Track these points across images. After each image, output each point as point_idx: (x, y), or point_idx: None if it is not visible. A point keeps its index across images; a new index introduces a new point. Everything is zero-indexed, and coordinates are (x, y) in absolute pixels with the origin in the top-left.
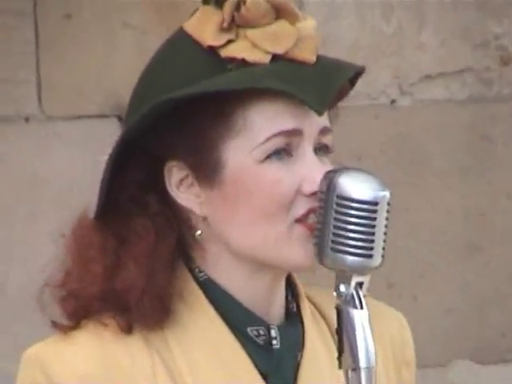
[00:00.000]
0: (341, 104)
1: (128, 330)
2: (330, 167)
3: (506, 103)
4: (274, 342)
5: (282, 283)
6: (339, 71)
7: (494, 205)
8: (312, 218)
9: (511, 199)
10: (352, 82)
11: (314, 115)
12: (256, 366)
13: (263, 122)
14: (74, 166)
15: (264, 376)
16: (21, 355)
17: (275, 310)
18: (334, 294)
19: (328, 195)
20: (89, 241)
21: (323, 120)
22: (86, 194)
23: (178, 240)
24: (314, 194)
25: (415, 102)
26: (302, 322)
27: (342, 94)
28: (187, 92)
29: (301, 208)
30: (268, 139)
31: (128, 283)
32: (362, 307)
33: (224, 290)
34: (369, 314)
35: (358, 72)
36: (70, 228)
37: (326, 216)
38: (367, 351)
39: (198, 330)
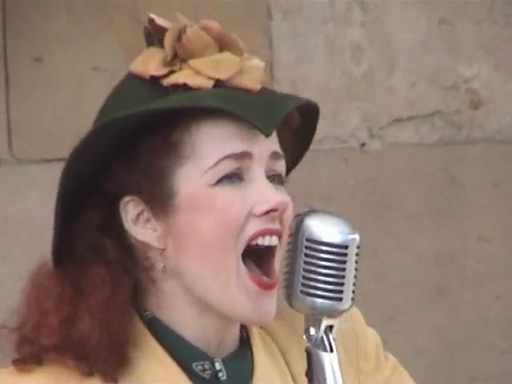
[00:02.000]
0: (311, 147)
1: (89, 373)
2: (286, 196)
3: (475, 146)
4: (220, 374)
5: (233, 323)
6: (286, 99)
7: (465, 248)
8: (264, 241)
9: (482, 242)
10: (313, 123)
11: (262, 139)
12: None
13: (211, 147)
14: (45, 209)
15: None
16: None
17: (226, 341)
18: (304, 337)
19: (297, 238)
20: (46, 290)
21: (273, 145)
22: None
23: (133, 286)
24: (266, 213)
25: (385, 146)
26: (251, 350)
27: (304, 134)
28: (121, 115)
29: (251, 230)
30: (217, 163)
31: (83, 336)
32: (331, 350)
33: (168, 326)
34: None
35: (313, 109)
36: (30, 274)
37: (295, 258)
38: None
39: (149, 372)
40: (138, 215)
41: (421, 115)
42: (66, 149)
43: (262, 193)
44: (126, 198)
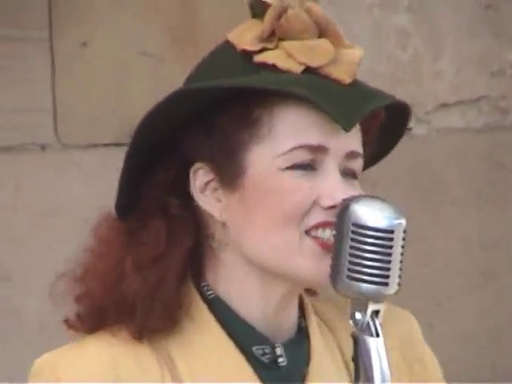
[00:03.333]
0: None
1: (139, 337)
2: (359, 190)
3: None
4: (281, 359)
5: (295, 299)
6: (375, 96)
7: (510, 232)
8: (325, 234)
9: None
10: (402, 122)
11: (342, 135)
12: (263, 382)
13: (289, 132)
14: (90, 194)
15: None
16: None
17: (286, 326)
18: (350, 322)
19: (343, 222)
20: (103, 235)
21: (353, 143)
22: None
23: (192, 249)
24: (330, 208)
25: (431, 131)
26: (309, 337)
27: (391, 133)
28: (206, 85)
29: (315, 219)
30: (291, 150)
31: (133, 285)
32: (378, 335)
33: (231, 308)
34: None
35: (403, 107)
36: (93, 225)
37: (341, 243)
38: (383, 379)
39: (203, 347)
40: (207, 183)
41: (467, 100)
42: (111, 134)
43: (330, 186)
44: (198, 164)
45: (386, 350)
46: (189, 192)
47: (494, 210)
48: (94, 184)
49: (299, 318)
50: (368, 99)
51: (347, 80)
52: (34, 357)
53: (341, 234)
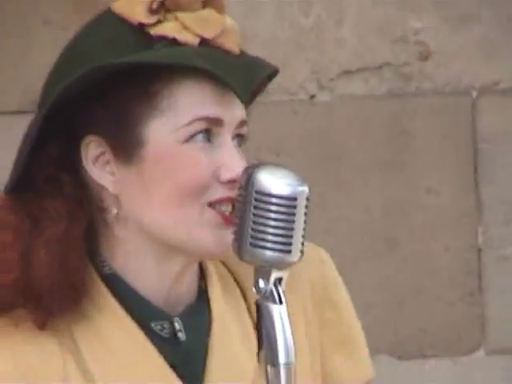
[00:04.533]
0: (260, 99)
1: (41, 325)
2: (243, 157)
3: (425, 98)
4: (180, 334)
5: (194, 268)
6: (260, 65)
7: (413, 200)
8: (225, 207)
9: (430, 194)
10: (264, 82)
11: (235, 106)
12: (165, 358)
13: (188, 105)
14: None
15: (173, 368)
16: None
17: (186, 293)
18: (254, 289)
19: (247, 191)
20: (3, 222)
21: (242, 112)
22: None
23: (88, 227)
24: (230, 182)
25: (334, 98)
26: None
27: (256, 91)
28: (119, 61)
29: (215, 194)
30: (191, 122)
31: (39, 270)
32: (281, 302)
33: (128, 283)
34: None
35: (273, 72)
36: None
37: (244, 211)
38: (287, 347)
39: (103, 326)
40: (98, 156)
41: (370, 67)
42: (14, 102)
43: (228, 159)
44: (90, 137)
45: (292, 313)
46: (80, 166)
47: (396, 177)
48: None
49: (200, 279)
50: (256, 68)
51: (237, 50)
52: None
53: (244, 202)
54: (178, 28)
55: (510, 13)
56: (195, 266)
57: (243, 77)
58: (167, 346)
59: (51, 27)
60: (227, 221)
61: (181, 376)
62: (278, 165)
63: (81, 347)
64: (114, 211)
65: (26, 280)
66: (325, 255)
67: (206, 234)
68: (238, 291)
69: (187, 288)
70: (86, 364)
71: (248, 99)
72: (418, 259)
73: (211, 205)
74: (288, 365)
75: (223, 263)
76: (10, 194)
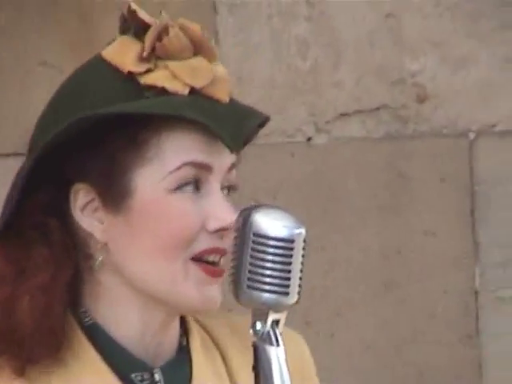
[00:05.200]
0: (257, 141)
1: (20, 372)
2: (232, 207)
3: (422, 140)
4: None
5: (176, 320)
6: (251, 115)
7: (411, 242)
8: (212, 258)
9: (428, 236)
10: (255, 130)
11: (224, 153)
12: None
13: (175, 151)
14: None
15: None
16: None
17: (167, 346)
18: (251, 331)
19: (244, 232)
20: None
21: (231, 158)
22: None
23: (73, 273)
24: (218, 231)
25: (331, 140)
26: (191, 356)
27: (247, 138)
28: (107, 111)
29: (201, 245)
30: (178, 168)
31: (21, 317)
32: (278, 344)
33: (108, 334)
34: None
35: (264, 120)
36: None
37: (241, 253)
38: None
39: (83, 379)
40: (87, 203)
41: (367, 109)
42: (10, 144)
43: (217, 209)
44: (79, 185)
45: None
46: (68, 213)
47: (394, 219)
48: None
49: (181, 336)
50: (247, 117)
51: (227, 99)
52: None
53: (241, 244)
54: (168, 77)
55: (509, 55)
56: (177, 320)
57: (233, 126)
58: None
59: (47, 68)
60: (213, 274)
61: None
62: (275, 207)
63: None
64: (100, 258)
65: (7, 326)
66: (300, 338)
67: (190, 289)
68: (212, 345)
69: (169, 340)
70: None
71: (239, 148)
72: (416, 301)
73: (195, 258)
74: None
75: (198, 322)
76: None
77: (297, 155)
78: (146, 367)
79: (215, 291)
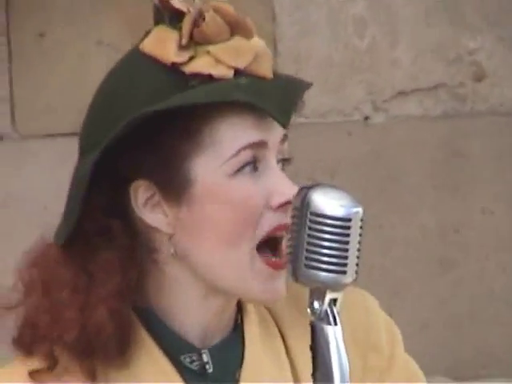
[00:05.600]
0: (315, 120)
1: (92, 376)
2: (295, 185)
3: (479, 119)
4: (207, 366)
5: (234, 302)
6: (295, 85)
7: (469, 220)
8: (280, 234)
9: (485, 214)
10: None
11: (275, 126)
12: None
13: (231, 137)
14: (48, 184)
15: None
16: None
17: (221, 327)
18: (308, 310)
19: (301, 212)
20: (58, 277)
21: (282, 129)
22: (60, 213)
23: (139, 271)
24: (281, 206)
25: (389, 119)
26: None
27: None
28: (162, 106)
29: (267, 224)
30: (237, 153)
31: (98, 326)
32: (335, 323)
33: (159, 318)
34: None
35: (308, 88)
36: (32, 257)
37: (299, 232)
38: (341, 368)
39: (139, 367)
40: (148, 199)
41: (424, 88)
42: (68, 124)
43: (277, 184)
44: (138, 182)
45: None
46: (128, 211)
47: (451, 198)
48: (52, 174)
49: (237, 314)
50: (292, 89)
51: (270, 74)
52: None
53: (298, 223)
54: (212, 63)
55: None
56: (235, 301)
57: (281, 100)
58: (196, 379)
59: (105, 48)
60: (276, 266)
61: None
62: (332, 186)
63: (112, 377)
64: (171, 251)
65: (83, 336)
66: (370, 302)
67: (258, 285)
68: (273, 326)
69: (225, 321)
70: None
71: (288, 121)
72: (474, 280)
73: (262, 242)
74: None
75: (265, 306)
76: (61, 246)
77: (354, 134)
78: (194, 349)
79: (281, 284)
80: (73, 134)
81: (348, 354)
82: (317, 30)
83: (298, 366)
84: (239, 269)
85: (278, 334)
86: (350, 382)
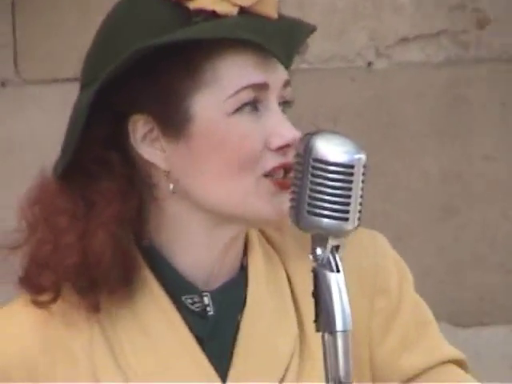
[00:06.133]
0: (317, 66)
1: (96, 309)
2: (296, 129)
3: (482, 65)
4: (208, 308)
5: (240, 240)
6: (300, 27)
7: (471, 167)
8: (278, 174)
9: (488, 161)
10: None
11: (278, 69)
12: (193, 332)
13: (233, 75)
14: (51, 129)
15: (200, 341)
16: None
17: (226, 269)
18: (310, 257)
19: (304, 158)
20: (56, 207)
21: (285, 73)
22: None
23: (138, 202)
24: (281, 148)
25: (392, 65)
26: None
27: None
28: (166, 40)
29: (268, 163)
30: (238, 91)
31: (98, 252)
32: (338, 270)
33: (164, 257)
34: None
35: (312, 31)
36: (33, 195)
37: (302, 179)
38: (344, 314)
39: (138, 300)
40: (146, 134)
41: (427, 34)
42: (71, 68)
43: (277, 126)
44: (137, 116)
45: (346, 285)
46: (127, 144)
47: (453, 144)
48: (55, 119)
49: (243, 256)
50: (296, 31)
51: (275, 15)
52: None
53: (301, 170)
54: (217, 0)
55: None
56: (241, 241)
57: (285, 41)
58: (197, 320)
59: None
60: (282, 186)
61: (209, 349)
62: (335, 132)
63: (116, 325)
64: (170, 188)
65: (84, 262)
66: (380, 243)
67: (262, 203)
68: (282, 271)
69: (231, 261)
70: (118, 341)
71: (291, 62)
72: (476, 226)
73: (266, 176)
74: (345, 332)
75: (269, 241)
76: (59, 177)
77: (357, 80)
78: (196, 290)
79: (286, 203)
80: (75, 79)
81: (354, 297)
82: None
83: (301, 308)
84: (244, 193)
85: (284, 273)
86: (356, 324)
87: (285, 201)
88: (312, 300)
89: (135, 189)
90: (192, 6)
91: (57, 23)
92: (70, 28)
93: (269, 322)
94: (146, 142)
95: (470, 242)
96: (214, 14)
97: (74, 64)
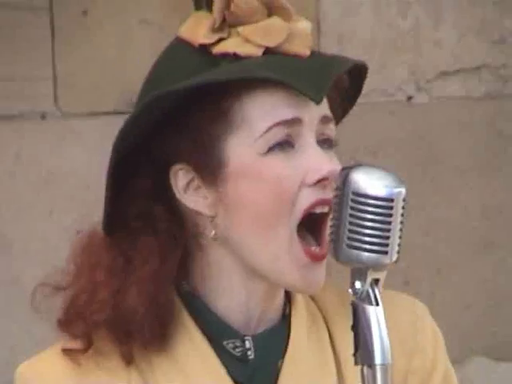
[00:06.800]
0: (358, 100)
1: (129, 360)
2: (336, 162)
3: None
4: (249, 352)
5: (281, 290)
6: (335, 62)
7: (511, 201)
8: (319, 210)
9: None
10: (359, 82)
11: (311, 104)
12: (232, 376)
13: (262, 114)
14: (90, 162)
15: None
16: (35, 349)
17: (270, 315)
18: (350, 290)
19: (343, 191)
20: (98, 260)
21: (323, 109)
22: (102, 191)
23: (181, 256)
24: (319, 182)
25: (432, 99)
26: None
27: (350, 94)
28: (181, 86)
29: (305, 200)
30: (268, 130)
31: (130, 309)
32: (377, 304)
33: (203, 301)
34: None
35: (361, 68)
36: (81, 241)
37: (341, 212)
38: (383, 348)
39: (179, 350)
40: (188, 183)
41: (467, 68)
42: (111, 102)
43: (313, 161)
44: (177, 166)
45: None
46: (171, 196)
47: (494, 179)
48: (94, 152)
49: (285, 304)
50: (330, 66)
51: (306, 52)
52: (34, 326)
53: (340, 203)
54: (240, 43)
55: None
56: (282, 290)
57: (314, 77)
58: (237, 365)
59: (148, 27)
60: (315, 258)
61: None
62: (374, 166)
63: (152, 359)
64: (212, 233)
65: (116, 318)
66: (419, 307)
67: (292, 270)
68: (320, 318)
69: (274, 308)
70: (151, 378)
71: (321, 97)
72: None
73: (303, 219)
74: (384, 365)
75: (313, 300)
76: (106, 233)
77: (397, 114)
78: (237, 335)
79: (318, 275)
80: (115, 113)
81: (393, 354)
82: (360, 10)
83: (341, 358)
84: (276, 252)
85: (325, 328)
86: (393, 382)
87: (316, 273)
88: (351, 352)
89: (178, 243)
90: (215, 50)
91: (97, 56)
92: (109, 61)
93: (308, 370)
94: (189, 192)
95: (510, 276)
96: (237, 57)
97: (113, 97)
